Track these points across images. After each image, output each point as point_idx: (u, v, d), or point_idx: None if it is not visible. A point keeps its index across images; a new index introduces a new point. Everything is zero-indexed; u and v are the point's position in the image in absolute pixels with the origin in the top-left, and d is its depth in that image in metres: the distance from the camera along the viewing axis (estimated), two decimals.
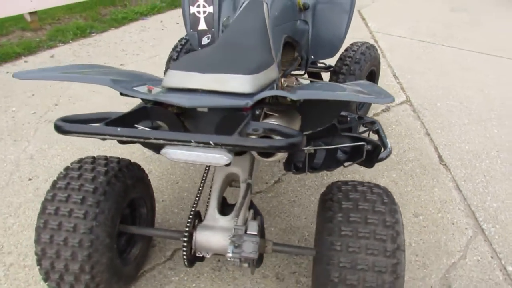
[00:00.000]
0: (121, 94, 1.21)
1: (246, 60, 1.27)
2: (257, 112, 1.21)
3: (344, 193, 1.38)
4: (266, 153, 1.19)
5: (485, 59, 3.87)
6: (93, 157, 1.60)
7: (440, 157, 2.49)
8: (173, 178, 2.35)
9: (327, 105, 1.35)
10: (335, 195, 1.39)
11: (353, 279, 1.23)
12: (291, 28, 2.07)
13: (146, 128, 1.18)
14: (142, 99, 1.27)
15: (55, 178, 1.49)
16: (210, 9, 2.16)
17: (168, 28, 4.93)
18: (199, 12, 2.18)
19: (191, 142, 0.91)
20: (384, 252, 1.24)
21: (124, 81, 1.20)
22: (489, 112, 2.93)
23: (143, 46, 4.36)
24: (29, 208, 2.14)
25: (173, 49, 2.61)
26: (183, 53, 2.57)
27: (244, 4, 1.79)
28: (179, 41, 2.65)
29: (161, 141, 0.95)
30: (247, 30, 1.65)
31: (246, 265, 1.46)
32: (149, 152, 2.56)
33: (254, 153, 1.24)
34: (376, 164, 1.62)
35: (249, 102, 1.10)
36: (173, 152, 1.14)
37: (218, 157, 1.10)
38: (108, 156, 1.63)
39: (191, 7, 2.17)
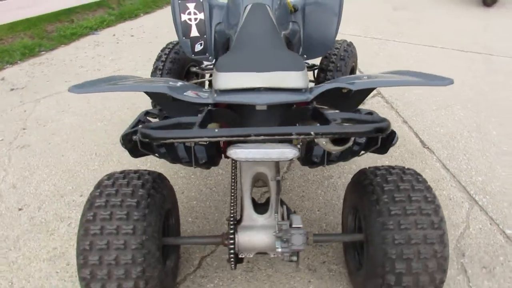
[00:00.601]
0: (173, 99, 1.20)
1: (288, 58, 1.32)
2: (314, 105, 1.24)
3: (382, 177, 1.46)
4: (339, 141, 1.23)
5: (434, 51, 4.23)
6: (123, 172, 1.54)
7: (422, 141, 2.70)
8: (177, 189, 2.31)
9: (357, 95, 1.43)
10: (373, 180, 1.47)
11: (409, 254, 1.31)
12: (286, 29, 2.14)
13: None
14: (197, 103, 1.25)
15: (89, 198, 1.42)
16: (201, 15, 2.18)
17: (123, 42, 4.78)
18: (190, 20, 2.18)
19: (292, 134, 0.93)
20: (432, 225, 1.34)
21: (177, 88, 1.19)
22: (452, 98, 3.22)
23: (102, 61, 4.20)
24: (30, 239, 1.99)
25: (158, 60, 2.56)
26: (169, 63, 2.54)
27: (249, 8, 1.83)
28: (162, 51, 2.61)
29: (261, 137, 0.96)
30: (262, 32, 1.69)
31: (295, 258, 1.49)
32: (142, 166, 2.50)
33: (323, 142, 1.26)
34: (369, 154, 1.69)
35: (310, 96, 1.15)
36: (241, 152, 1.15)
37: (288, 151, 1.14)
38: (138, 170, 1.58)
39: (182, 15, 2.17)
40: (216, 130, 0.96)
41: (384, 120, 0.98)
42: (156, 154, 1.85)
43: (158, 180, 1.54)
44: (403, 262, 1.32)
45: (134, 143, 1.80)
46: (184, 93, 1.20)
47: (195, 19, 2.22)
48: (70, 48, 4.62)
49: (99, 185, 1.46)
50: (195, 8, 2.21)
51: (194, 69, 2.75)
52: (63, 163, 2.55)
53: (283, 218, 1.57)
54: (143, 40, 4.82)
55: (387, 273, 1.33)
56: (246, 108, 1.19)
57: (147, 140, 0.98)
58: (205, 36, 2.23)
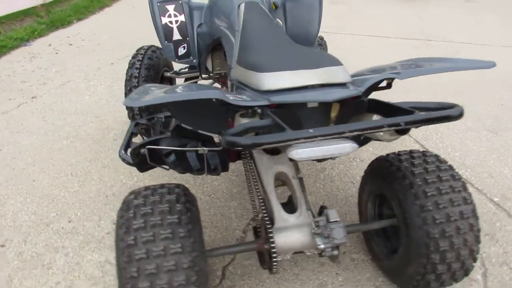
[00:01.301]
0: (223, 103, 1.13)
1: (322, 54, 1.31)
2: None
3: (408, 162, 1.52)
4: (402, 130, 1.23)
5: (379, 41, 4.49)
6: (148, 188, 1.43)
7: None
8: None
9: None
10: (401, 165, 1.52)
11: (450, 231, 1.39)
12: None
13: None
14: (247, 106, 1.19)
15: (123, 221, 1.30)
16: (181, 17, 2.10)
17: (62, 51, 4.43)
18: (171, 22, 2.09)
19: (384, 126, 0.93)
20: (464, 200, 1.43)
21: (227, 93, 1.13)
22: (409, 83, 3.43)
23: (46, 74, 3.85)
24: (25, 277, 1.77)
25: (131, 67, 2.42)
26: (144, 69, 2.41)
27: (244, 7, 1.79)
28: (134, 57, 2.46)
29: (348, 134, 0.93)
30: (272, 30, 1.67)
31: (336, 252, 1.49)
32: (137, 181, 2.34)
33: (381, 133, 1.24)
34: None
35: (361, 89, 1.15)
36: (302, 152, 1.13)
37: (348, 146, 1.14)
38: (163, 184, 1.47)
39: (162, 18, 2.08)
40: (311, 131, 0.93)
41: (456, 105, 1.02)
42: (165, 166, 1.75)
43: (187, 192, 1.46)
44: (446, 240, 1.39)
45: (142, 156, 1.69)
46: (231, 98, 1.14)
47: (176, 21, 2.12)
48: (3, 62, 4.17)
49: (128, 206, 1.34)
50: (175, 10, 2.12)
51: (168, 74, 2.64)
52: (37, 189, 2.30)
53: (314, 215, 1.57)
54: (85, 49, 4.50)
55: (432, 252, 1.39)
56: (296, 106, 1.17)
57: (235, 148, 0.91)
58: (187, 38, 2.14)
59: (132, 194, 1.41)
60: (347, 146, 1.15)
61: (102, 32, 5.00)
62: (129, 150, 1.77)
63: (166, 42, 2.14)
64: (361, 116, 1.20)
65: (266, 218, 1.50)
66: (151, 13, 2.11)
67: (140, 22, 5.38)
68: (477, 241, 1.43)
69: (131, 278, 1.20)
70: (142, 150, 1.68)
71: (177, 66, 2.85)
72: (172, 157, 1.74)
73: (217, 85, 2.57)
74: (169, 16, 2.13)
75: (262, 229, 1.56)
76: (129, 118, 2.49)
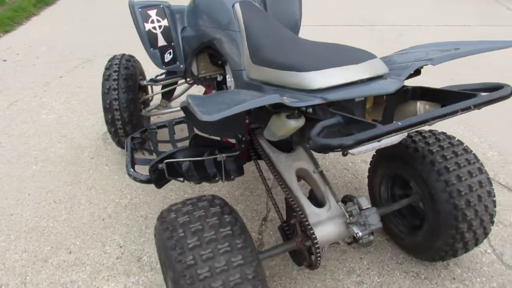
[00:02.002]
0: (281, 105, 1.10)
1: (352, 48, 1.33)
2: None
3: (423, 142, 1.61)
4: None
5: (329, 29, 4.65)
6: (185, 203, 1.36)
7: None
8: None
9: None
10: (417, 146, 1.60)
11: (473, 200, 1.50)
12: None
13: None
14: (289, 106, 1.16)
15: (174, 242, 1.22)
16: (164, 22, 2.02)
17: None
18: (154, 28, 2.00)
19: (458, 112, 0.96)
20: (480, 171, 1.55)
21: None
22: None
23: None
24: None
25: (108, 79, 2.26)
26: (123, 80, 2.27)
27: (239, 6, 1.75)
28: (109, 68, 2.30)
29: (458, 114, 0.94)
30: (281, 28, 1.66)
31: (372, 237, 1.54)
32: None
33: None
34: None
35: (401, 78, 1.19)
36: (365, 146, 1.16)
37: (400, 136, 1.18)
38: (200, 196, 1.41)
39: (145, 24, 1.98)
40: (400, 123, 0.94)
41: (504, 84, 1.09)
42: (180, 179, 1.69)
43: (225, 202, 1.41)
44: (471, 209, 1.50)
45: (159, 171, 1.62)
46: (287, 101, 1.12)
47: (160, 27, 2.03)
48: None
49: (174, 225, 1.27)
50: (157, 15, 2.02)
51: (144, 82, 2.51)
52: (19, 223, 2.08)
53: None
54: (23, 63, 4.12)
55: (460, 222, 1.50)
56: (344, 102, 1.18)
57: (339, 150, 0.90)
58: (172, 43, 2.06)
59: (171, 212, 1.34)
60: (399, 136, 1.19)
61: (37, 43, 4.61)
62: (147, 167, 1.68)
63: (151, 49, 2.03)
64: (406, 104, 1.25)
65: (302, 215, 1.51)
66: (133, 20, 1.98)
67: (75, 30, 5.05)
68: (495, 205, 1.56)
69: None
70: (160, 165, 1.60)
71: (148, 74, 2.73)
72: (190, 168, 1.68)
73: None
74: (152, 22, 2.02)
75: (298, 226, 1.56)
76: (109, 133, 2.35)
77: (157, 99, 2.73)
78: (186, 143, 2.29)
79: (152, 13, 2.02)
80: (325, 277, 1.76)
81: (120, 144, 2.42)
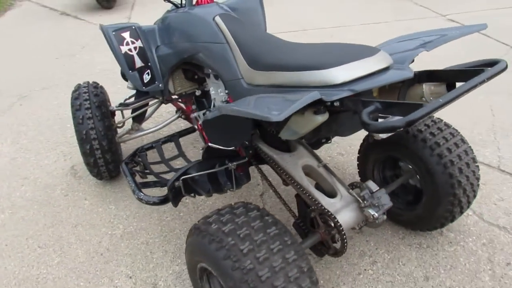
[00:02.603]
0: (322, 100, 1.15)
1: (356, 45, 1.45)
2: None
3: (425, 125, 1.78)
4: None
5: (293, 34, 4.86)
6: (219, 213, 1.37)
7: None
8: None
9: None
10: (412, 128, 1.77)
11: (464, 168, 1.70)
12: None
13: None
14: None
15: (226, 252, 1.23)
16: (139, 43, 2.00)
17: None
18: (130, 50, 1.98)
19: (477, 85, 1.10)
20: (462, 141, 1.76)
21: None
22: None
23: None
24: None
25: (79, 109, 2.15)
26: (95, 108, 2.18)
27: (220, 19, 1.80)
28: (78, 98, 2.20)
29: (481, 84, 1.07)
30: (264, 34, 1.73)
31: (385, 217, 1.67)
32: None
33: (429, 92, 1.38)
34: None
35: (409, 67, 1.33)
36: None
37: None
38: (230, 204, 1.43)
39: (121, 47, 1.94)
40: (441, 100, 1.04)
41: (499, 59, 1.26)
42: (192, 194, 1.69)
43: (257, 206, 1.45)
44: (463, 176, 1.69)
45: (176, 190, 1.61)
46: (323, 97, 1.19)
47: (135, 48, 2.00)
48: None
49: (219, 235, 1.27)
50: (131, 36, 1.99)
51: (115, 108, 2.43)
52: (7, 277, 1.89)
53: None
54: None
55: (456, 188, 1.68)
56: (364, 93, 1.28)
57: (401, 129, 0.97)
58: (149, 64, 2.04)
59: (210, 224, 1.34)
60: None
61: None
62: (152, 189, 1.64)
63: (130, 71, 1.98)
64: (412, 88, 1.38)
65: (323, 208, 1.59)
66: (109, 44, 1.92)
67: None
68: (478, 169, 1.78)
69: None
70: (177, 183, 1.58)
71: (113, 99, 2.64)
72: (204, 181, 1.68)
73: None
74: (127, 44, 1.98)
75: (319, 219, 1.64)
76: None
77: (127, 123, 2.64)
78: (178, 161, 2.27)
79: (126, 35, 1.98)
80: (341, 264, 1.85)
81: (99, 175, 2.31)
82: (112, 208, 2.26)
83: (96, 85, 2.33)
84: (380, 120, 1.18)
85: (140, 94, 2.44)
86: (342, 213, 1.61)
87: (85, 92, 2.22)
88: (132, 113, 2.50)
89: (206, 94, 2.20)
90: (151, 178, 2.10)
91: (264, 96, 1.31)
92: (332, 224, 1.61)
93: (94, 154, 2.18)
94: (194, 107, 2.25)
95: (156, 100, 2.50)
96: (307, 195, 1.65)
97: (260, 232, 1.28)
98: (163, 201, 1.69)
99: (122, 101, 2.49)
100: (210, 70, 1.95)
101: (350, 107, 1.24)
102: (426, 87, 1.36)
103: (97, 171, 2.27)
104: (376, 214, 1.59)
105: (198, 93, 2.22)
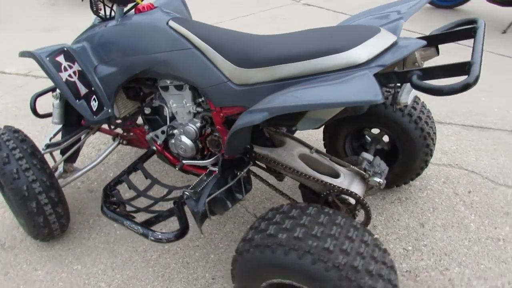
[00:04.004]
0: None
1: (352, 25, 1.49)
2: None
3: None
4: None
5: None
6: (275, 213, 1.29)
7: None
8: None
9: None
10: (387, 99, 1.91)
11: (429, 123, 1.93)
12: None
13: None
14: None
15: (316, 256, 1.16)
16: (76, 66, 1.73)
17: None
18: (71, 76, 1.69)
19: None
20: (423, 106, 1.99)
21: None
22: None
23: None
24: None
25: (8, 163, 1.71)
26: (30, 155, 1.77)
27: (174, 23, 1.63)
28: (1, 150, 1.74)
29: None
30: (231, 31, 1.64)
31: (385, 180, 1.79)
32: None
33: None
34: None
35: (406, 37, 1.44)
36: (411, 95, 1.37)
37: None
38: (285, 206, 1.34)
39: (60, 74, 1.64)
40: (472, 60, 1.13)
41: (477, 18, 1.43)
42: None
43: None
44: (430, 127, 1.93)
45: (203, 214, 1.45)
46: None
47: (74, 73, 1.68)
48: None
49: (295, 243, 1.19)
50: (66, 60, 1.67)
51: (47, 150, 2.00)
52: None
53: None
54: None
55: (428, 139, 1.91)
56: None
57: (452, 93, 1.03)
58: (93, 88, 1.74)
59: (276, 235, 1.24)
60: None
61: None
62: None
63: (77, 101, 1.65)
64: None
65: (340, 188, 1.62)
66: (47, 73, 1.56)
67: None
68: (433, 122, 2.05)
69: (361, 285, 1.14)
70: (203, 209, 1.41)
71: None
72: (222, 197, 1.54)
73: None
74: (65, 69, 1.63)
75: (336, 200, 1.67)
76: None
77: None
78: (155, 189, 2.01)
79: (61, 59, 1.64)
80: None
81: (50, 234, 1.89)
82: (78, 268, 1.88)
83: (14, 129, 1.87)
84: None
85: (68, 130, 2.05)
86: (352, 188, 1.68)
87: (7, 140, 1.77)
88: (62, 153, 2.09)
89: (157, 111, 1.99)
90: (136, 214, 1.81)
91: (295, 89, 1.25)
92: (352, 200, 1.66)
93: (43, 211, 1.77)
94: (146, 127, 2.01)
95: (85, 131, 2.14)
96: (316, 181, 1.66)
97: (331, 224, 1.24)
98: (183, 232, 1.49)
99: (46, 141, 2.06)
100: (169, 82, 1.77)
101: (382, 82, 1.29)
102: (417, 53, 1.49)
103: (48, 231, 1.85)
104: (381, 181, 1.70)
105: (147, 111, 1.98)
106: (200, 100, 1.75)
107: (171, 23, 1.65)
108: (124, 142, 2.21)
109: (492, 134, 2.61)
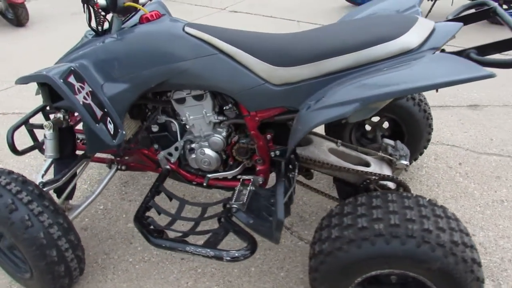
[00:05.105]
0: None
1: (384, 14, 1.53)
2: None
3: None
4: None
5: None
6: (355, 213, 1.27)
7: None
8: None
9: None
10: None
11: (427, 107, 2.08)
12: None
13: None
14: None
15: (421, 235, 1.17)
16: (87, 87, 1.55)
17: None
18: (85, 98, 1.50)
19: None
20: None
21: None
22: None
23: None
24: None
25: (16, 209, 1.44)
26: (39, 197, 1.52)
27: (190, 29, 1.54)
28: (1, 196, 1.46)
29: None
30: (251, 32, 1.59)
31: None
32: None
33: None
34: None
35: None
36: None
37: None
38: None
39: (77, 97, 1.44)
40: None
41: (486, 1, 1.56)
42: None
43: None
44: (428, 108, 2.08)
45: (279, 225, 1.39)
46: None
47: (87, 94, 1.49)
48: None
49: (394, 230, 1.19)
50: (77, 80, 1.46)
51: (46, 188, 1.71)
52: None
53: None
54: None
55: (429, 119, 2.06)
56: None
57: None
58: (105, 109, 1.56)
59: (379, 220, 1.23)
60: None
61: None
62: None
63: (97, 125, 1.45)
64: None
65: (381, 174, 1.67)
66: (64, 96, 1.34)
67: None
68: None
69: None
70: (282, 217, 1.34)
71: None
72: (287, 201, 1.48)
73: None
74: (79, 91, 1.43)
75: (378, 188, 1.71)
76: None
77: None
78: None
79: (73, 80, 1.43)
80: None
81: (70, 285, 1.63)
82: None
83: (7, 170, 1.59)
84: None
85: (62, 163, 1.80)
86: (385, 173, 1.74)
87: (7, 184, 1.49)
88: (57, 190, 1.82)
89: (165, 127, 1.84)
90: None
91: (369, 77, 1.26)
92: (392, 185, 1.72)
93: (65, 258, 1.52)
94: (156, 146, 1.85)
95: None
96: (357, 172, 1.69)
97: (418, 206, 1.27)
98: (254, 245, 1.40)
99: (39, 179, 1.78)
100: (186, 93, 1.65)
101: None
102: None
103: (69, 281, 1.60)
104: (407, 162, 1.79)
105: (155, 128, 1.83)
106: (227, 107, 1.66)
107: (188, 29, 1.55)
108: (123, 167, 2.01)
109: (453, 111, 2.90)
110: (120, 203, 2.24)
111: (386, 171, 1.77)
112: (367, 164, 1.78)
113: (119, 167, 2.00)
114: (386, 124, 2.20)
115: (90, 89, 1.50)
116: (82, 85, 1.47)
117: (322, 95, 1.36)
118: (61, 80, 1.37)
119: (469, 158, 2.38)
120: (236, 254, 1.37)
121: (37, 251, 1.46)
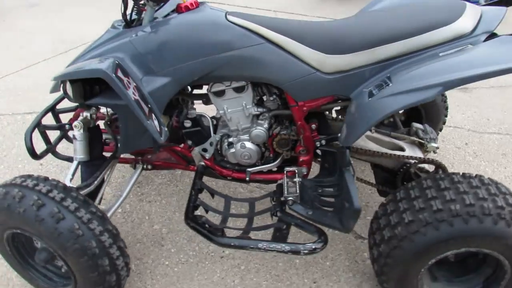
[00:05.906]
0: None
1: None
2: None
3: None
4: None
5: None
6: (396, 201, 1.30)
7: None
8: None
9: None
10: None
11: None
12: None
13: None
14: None
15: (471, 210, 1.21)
16: (132, 81, 1.44)
17: None
18: (134, 93, 1.40)
19: None
20: None
21: None
22: None
23: None
24: None
25: (63, 219, 1.32)
26: (82, 203, 1.40)
27: (235, 18, 1.48)
28: (42, 206, 1.33)
29: None
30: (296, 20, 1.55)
31: None
32: None
33: None
34: None
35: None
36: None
37: None
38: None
39: (128, 91, 1.35)
40: None
41: None
42: None
43: None
44: (443, 98, 2.16)
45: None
46: None
47: (134, 89, 1.39)
48: None
49: (450, 205, 1.23)
50: (123, 75, 1.36)
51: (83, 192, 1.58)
52: None
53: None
54: None
55: (446, 101, 2.14)
56: None
57: None
58: (149, 106, 1.47)
59: (450, 203, 1.25)
60: None
61: None
62: None
63: (148, 121, 1.36)
64: None
65: (421, 158, 1.71)
66: (119, 92, 1.23)
67: None
68: None
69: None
70: (358, 206, 1.33)
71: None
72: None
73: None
74: (128, 85, 1.32)
75: (418, 171, 1.74)
76: None
77: None
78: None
79: (121, 75, 1.33)
80: None
81: None
82: None
83: (43, 177, 1.45)
84: None
85: (90, 165, 1.68)
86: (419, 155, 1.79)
87: (48, 191, 1.36)
88: (92, 196, 1.68)
89: (197, 122, 1.77)
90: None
91: (443, 62, 1.27)
92: (431, 167, 1.76)
93: (116, 267, 1.42)
94: (190, 142, 1.78)
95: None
96: (398, 157, 1.72)
97: (484, 185, 1.30)
98: (325, 235, 1.38)
99: (68, 183, 1.64)
100: (226, 85, 1.59)
101: None
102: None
103: None
104: (438, 145, 1.85)
105: (187, 124, 1.76)
106: (271, 98, 1.62)
107: (231, 17, 1.49)
108: (149, 166, 1.90)
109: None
110: (140, 205, 2.12)
111: (419, 154, 1.82)
112: (401, 149, 1.82)
113: (144, 166, 1.90)
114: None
115: (135, 84, 1.40)
116: (128, 79, 1.37)
117: (383, 81, 1.36)
118: (114, 75, 1.27)
119: (473, 138, 2.51)
120: (313, 246, 1.35)
121: (89, 262, 1.35)
